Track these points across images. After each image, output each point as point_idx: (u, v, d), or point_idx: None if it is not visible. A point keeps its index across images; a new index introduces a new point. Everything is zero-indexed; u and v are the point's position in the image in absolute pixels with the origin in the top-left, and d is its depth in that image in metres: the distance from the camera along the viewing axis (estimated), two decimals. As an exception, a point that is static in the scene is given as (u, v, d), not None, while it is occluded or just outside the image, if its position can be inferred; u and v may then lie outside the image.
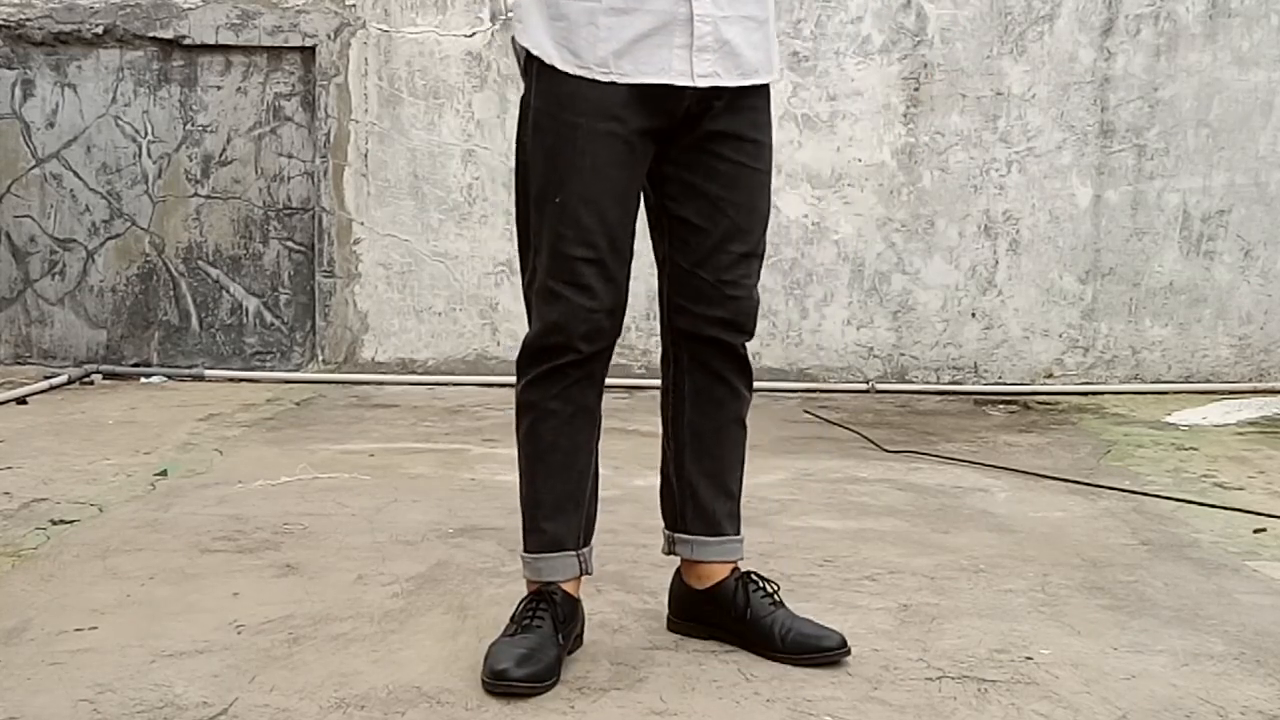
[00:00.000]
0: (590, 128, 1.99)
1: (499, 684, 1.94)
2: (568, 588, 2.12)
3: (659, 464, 2.26)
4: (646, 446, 3.83)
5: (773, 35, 2.11)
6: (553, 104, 2.02)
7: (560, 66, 2.00)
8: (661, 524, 2.25)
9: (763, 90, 2.10)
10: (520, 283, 2.19)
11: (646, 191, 2.12)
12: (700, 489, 2.18)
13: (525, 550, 2.16)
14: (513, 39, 2.11)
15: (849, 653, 2.09)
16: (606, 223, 2.02)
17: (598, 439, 2.18)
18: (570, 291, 2.04)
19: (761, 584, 2.18)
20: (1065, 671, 2.07)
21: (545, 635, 2.02)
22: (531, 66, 2.05)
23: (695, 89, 1.99)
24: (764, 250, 2.18)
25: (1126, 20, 4.98)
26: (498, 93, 5.09)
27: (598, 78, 1.98)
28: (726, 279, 2.10)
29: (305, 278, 5.25)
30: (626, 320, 5.78)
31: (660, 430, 2.25)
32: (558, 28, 2.00)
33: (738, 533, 2.22)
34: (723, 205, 2.08)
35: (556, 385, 2.09)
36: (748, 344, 2.18)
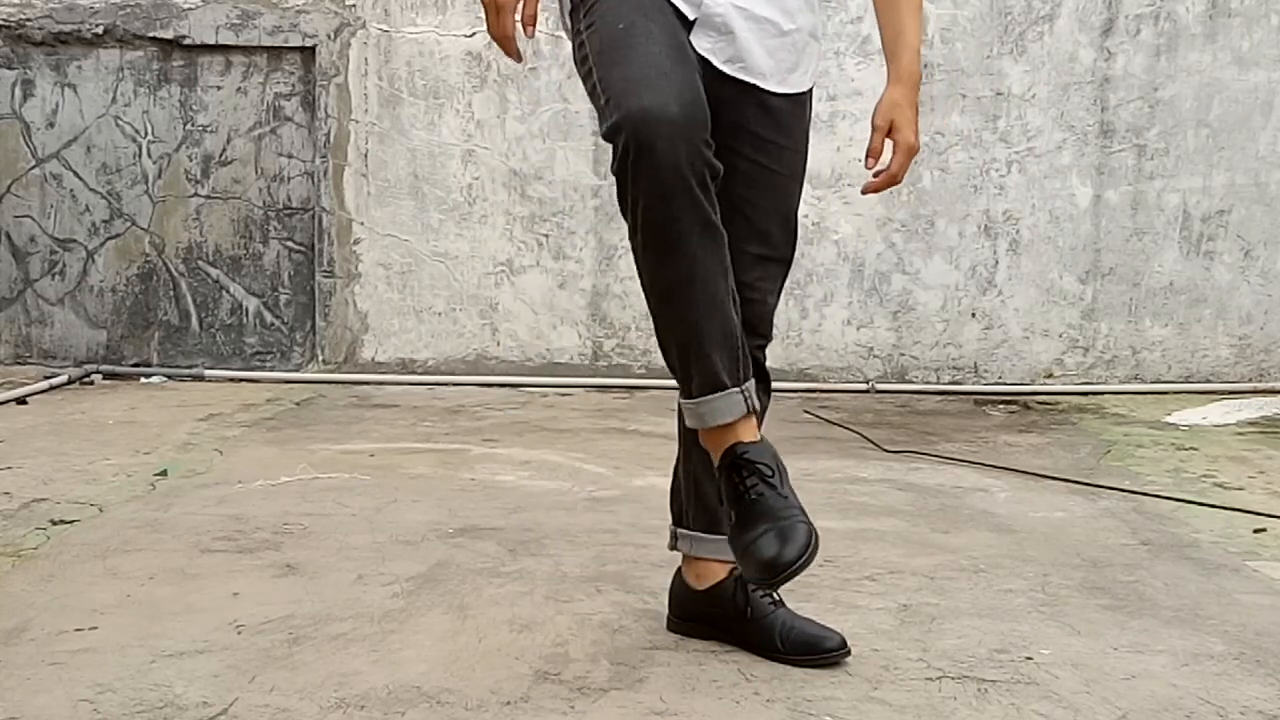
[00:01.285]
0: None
1: (771, 579, 1.84)
2: (742, 431, 1.92)
3: (670, 462, 2.26)
4: (646, 446, 3.83)
5: (804, 50, 2.06)
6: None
7: None
8: (669, 520, 2.25)
9: (791, 96, 2.07)
10: None
11: None
12: (705, 486, 2.16)
13: (687, 396, 1.95)
14: None
15: (849, 653, 2.09)
16: (676, 37, 1.90)
17: (729, 268, 1.95)
18: (651, 73, 1.83)
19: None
20: (1065, 671, 2.07)
21: (784, 498, 1.89)
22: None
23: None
24: (789, 257, 2.13)
25: (1126, 20, 4.98)
26: (498, 93, 5.09)
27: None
28: (742, 280, 2.01)
29: (305, 278, 5.25)
30: (626, 320, 5.75)
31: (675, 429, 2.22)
32: None
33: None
34: (739, 203, 2.04)
35: (659, 201, 1.83)
36: (765, 348, 2.12)
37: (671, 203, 1.81)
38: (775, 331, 2.21)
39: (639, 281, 1.94)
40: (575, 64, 2.05)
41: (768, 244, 2.09)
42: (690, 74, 1.87)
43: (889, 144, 2.14)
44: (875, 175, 2.14)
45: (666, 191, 1.81)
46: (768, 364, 2.16)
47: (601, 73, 1.91)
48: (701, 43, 1.96)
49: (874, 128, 2.13)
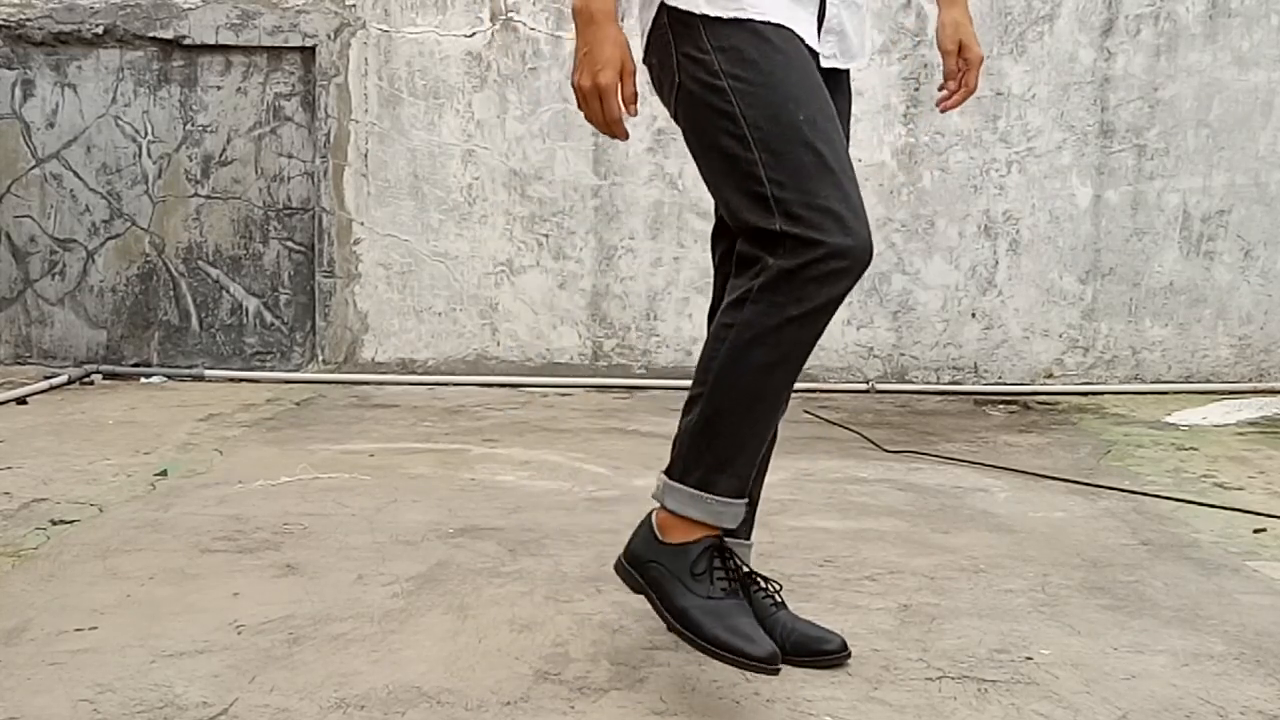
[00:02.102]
0: (798, 53, 1.92)
1: (764, 666, 1.85)
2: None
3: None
4: (646, 446, 3.83)
5: (869, 22, 2.15)
6: (748, 39, 1.91)
7: (727, 15, 1.91)
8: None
9: (851, 92, 2.14)
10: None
11: None
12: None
13: (707, 490, 1.94)
14: (641, 12, 2.03)
15: (849, 655, 2.09)
16: (845, 144, 1.97)
17: None
18: (845, 208, 1.86)
19: (763, 585, 2.18)
20: (1065, 671, 2.07)
21: (744, 606, 1.94)
22: (694, 20, 1.94)
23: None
24: None
25: (1126, 20, 4.98)
26: (498, 93, 5.09)
27: (754, 18, 1.91)
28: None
29: (305, 278, 5.25)
30: (626, 320, 5.75)
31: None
32: None
33: (749, 538, 2.20)
34: None
35: (822, 322, 1.88)
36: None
37: (822, 322, 1.89)
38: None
39: (720, 378, 1.92)
40: (680, 93, 1.97)
41: None
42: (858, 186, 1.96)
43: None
44: (946, 96, 2.22)
45: (826, 315, 1.88)
46: None
47: (781, 164, 1.88)
48: (826, 50, 2.01)
49: (945, 52, 2.19)
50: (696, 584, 1.92)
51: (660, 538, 1.97)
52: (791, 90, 1.90)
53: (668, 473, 1.98)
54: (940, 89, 2.21)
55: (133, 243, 5.26)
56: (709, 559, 1.93)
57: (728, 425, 1.92)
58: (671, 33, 1.95)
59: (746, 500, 1.97)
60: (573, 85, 1.95)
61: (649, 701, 1.93)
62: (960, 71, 2.19)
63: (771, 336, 1.87)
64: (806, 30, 1.97)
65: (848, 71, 2.12)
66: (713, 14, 1.92)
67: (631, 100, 1.92)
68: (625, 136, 1.98)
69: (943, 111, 2.26)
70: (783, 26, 1.93)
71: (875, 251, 1.89)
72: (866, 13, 2.14)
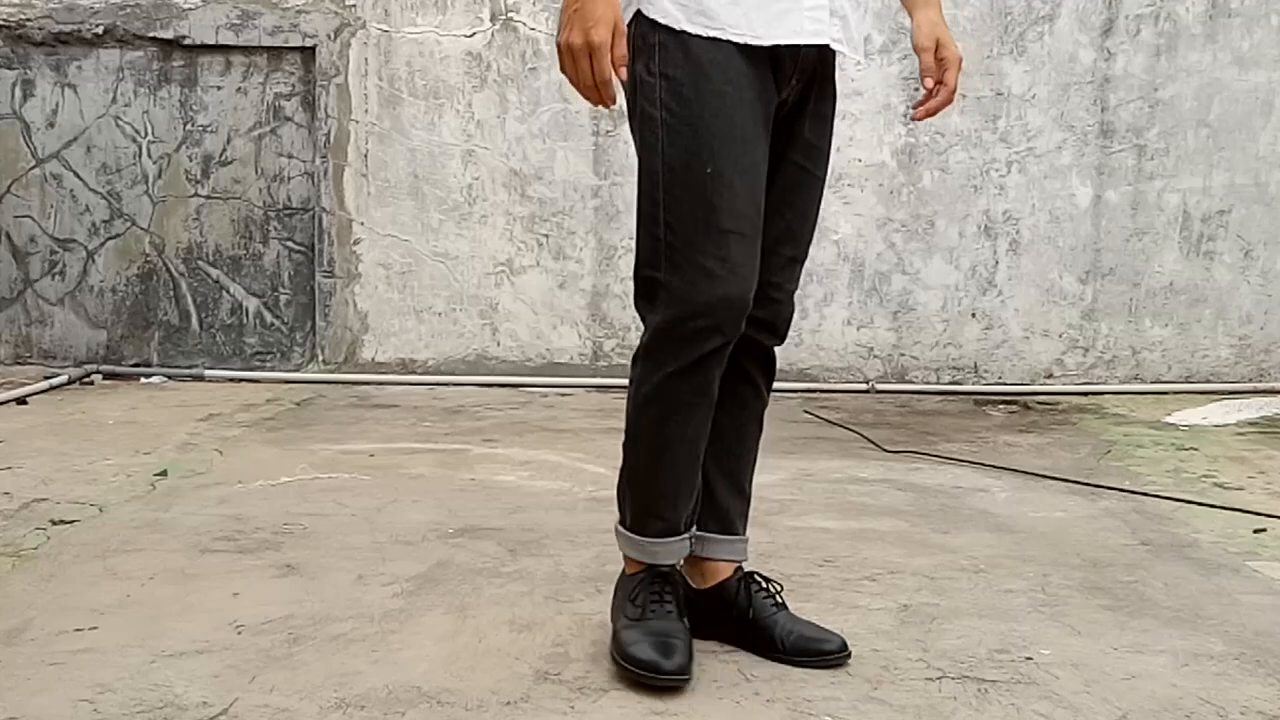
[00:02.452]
0: (738, 96, 1.93)
1: (650, 676, 1.95)
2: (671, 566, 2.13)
3: None
4: (646, 446, 3.83)
5: (868, 21, 2.14)
6: (693, 72, 1.91)
7: (693, 30, 1.92)
8: None
9: (834, 95, 2.12)
10: (651, 269, 1.99)
11: None
12: (718, 487, 2.18)
13: (638, 533, 2.09)
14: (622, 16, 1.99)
15: (849, 656, 2.09)
16: (755, 196, 1.97)
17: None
18: (721, 268, 1.91)
19: (764, 585, 2.18)
20: (1065, 671, 2.07)
21: (674, 623, 2.04)
22: (654, 37, 1.95)
23: (800, 70, 1.99)
24: (806, 257, 2.18)
25: (1126, 20, 4.98)
26: (498, 93, 5.09)
27: (733, 39, 1.92)
28: (773, 280, 2.08)
29: (305, 278, 5.25)
30: (626, 320, 5.75)
31: None
32: None
33: (745, 533, 2.22)
34: (781, 208, 2.07)
35: (699, 377, 1.98)
36: (776, 346, 2.17)
37: (698, 377, 1.98)
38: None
39: (629, 431, 2.08)
40: (629, 106, 2.01)
41: (798, 246, 2.12)
42: (757, 241, 1.98)
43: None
44: (922, 100, 2.18)
45: (703, 370, 1.98)
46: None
47: (679, 213, 1.94)
48: (833, 33, 1.99)
49: (921, 49, 2.15)
50: (631, 609, 2.07)
51: (624, 568, 2.17)
52: (710, 138, 1.92)
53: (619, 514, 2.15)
54: (920, 91, 2.20)
55: (133, 243, 5.26)
56: (647, 588, 2.08)
57: (643, 476, 2.08)
58: (640, 44, 1.96)
59: (686, 536, 2.10)
60: (558, 45, 1.89)
61: (649, 701, 1.93)
62: (939, 69, 2.13)
63: (656, 392, 2.00)
64: (802, 25, 1.94)
65: (835, 96, 2.12)
66: (688, 29, 1.92)
67: (622, 62, 1.87)
68: (612, 101, 1.91)
69: (917, 119, 2.20)
70: (749, 47, 1.92)
71: (749, 303, 1.97)
72: (866, 12, 2.14)
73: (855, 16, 2.06)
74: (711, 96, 1.92)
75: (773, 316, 2.11)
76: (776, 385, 2.26)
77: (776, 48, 1.95)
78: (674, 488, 2.06)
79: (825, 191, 2.21)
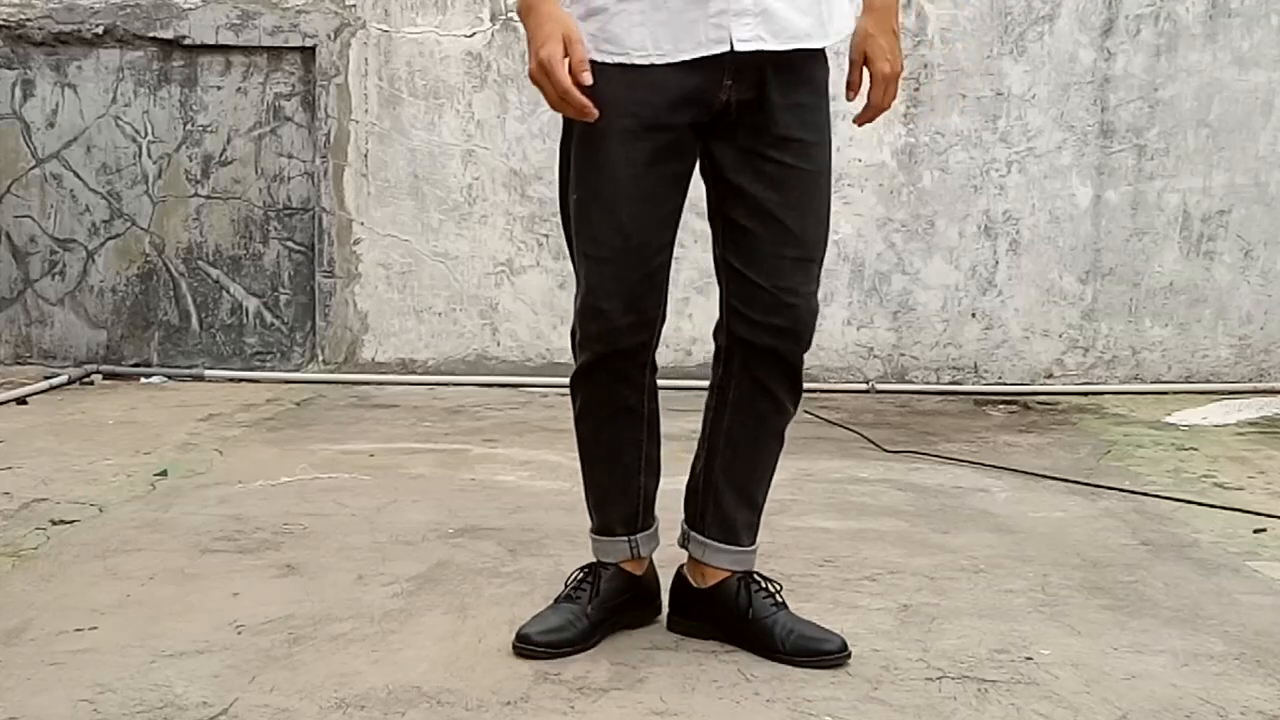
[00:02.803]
0: (613, 123, 1.95)
1: (520, 646, 2.10)
2: (627, 565, 2.22)
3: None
4: (646, 446, 3.83)
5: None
6: (592, 96, 1.94)
7: (597, 57, 1.94)
8: (682, 515, 2.25)
9: (812, 83, 2.04)
10: None
11: (708, 190, 2.10)
12: (725, 497, 2.17)
13: (591, 530, 2.27)
14: None
15: (849, 656, 2.09)
16: (618, 221, 1.99)
17: (649, 433, 2.18)
18: (585, 293, 2.05)
19: (764, 584, 2.18)
20: (1065, 671, 2.07)
21: (579, 608, 2.16)
22: None
23: (733, 72, 1.94)
24: (823, 255, 2.13)
25: (1126, 20, 4.98)
26: (498, 93, 5.09)
27: (637, 61, 1.93)
28: (782, 285, 2.05)
29: (305, 278, 5.25)
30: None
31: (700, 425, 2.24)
32: (596, 21, 1.95)
33: (753, 544, 2.21)
34: (771, 208, 2.03)
35: (590, 383, 2.13)
36: (802, 358, 2.13)
37: (595, 388, 2.12)
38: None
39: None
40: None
41: (802, 245, 2.07)
42: (626, 264, 2.02)
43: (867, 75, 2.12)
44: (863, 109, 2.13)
45: (595, 381, 2.11)
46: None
47: (568, 237, 2.11)
48: (742, 33, 1.92)
49: (851, 62, 2.10)
50: (561, 592, 2.23)
51: None
52: (583, 167, 2.01)
53: None
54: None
55: (133, 243, 5.26)
56: (577, 577, 2.23)
57: (583, 478, 2.25)
58: None
59: (623, 538, 2.20)
60: (897, 74, 2.04)
61: (649, 701, 1.93)
62: (858, 85, 2.08)
63: (576, 402, 2.17)
64: (704, 34, 1.91)
65: (818, 52, 2.02)
66: (595, 57, 1.93)
67: (581, 68, 1.88)
68: (593, 114, 1.92)
69: (857, 124, 2.17)
70: (650, 67, 1.93)
71: (640, 320, 2.07)
72: None
73: (789, 2, 1.96)
74: (595, 128, 1.95)
75: (791, 322, 2.07)
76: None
77: (698, 58, 1.93)
78: (598, 492, 2.21)
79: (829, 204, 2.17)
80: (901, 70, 2.11)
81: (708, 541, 2.19)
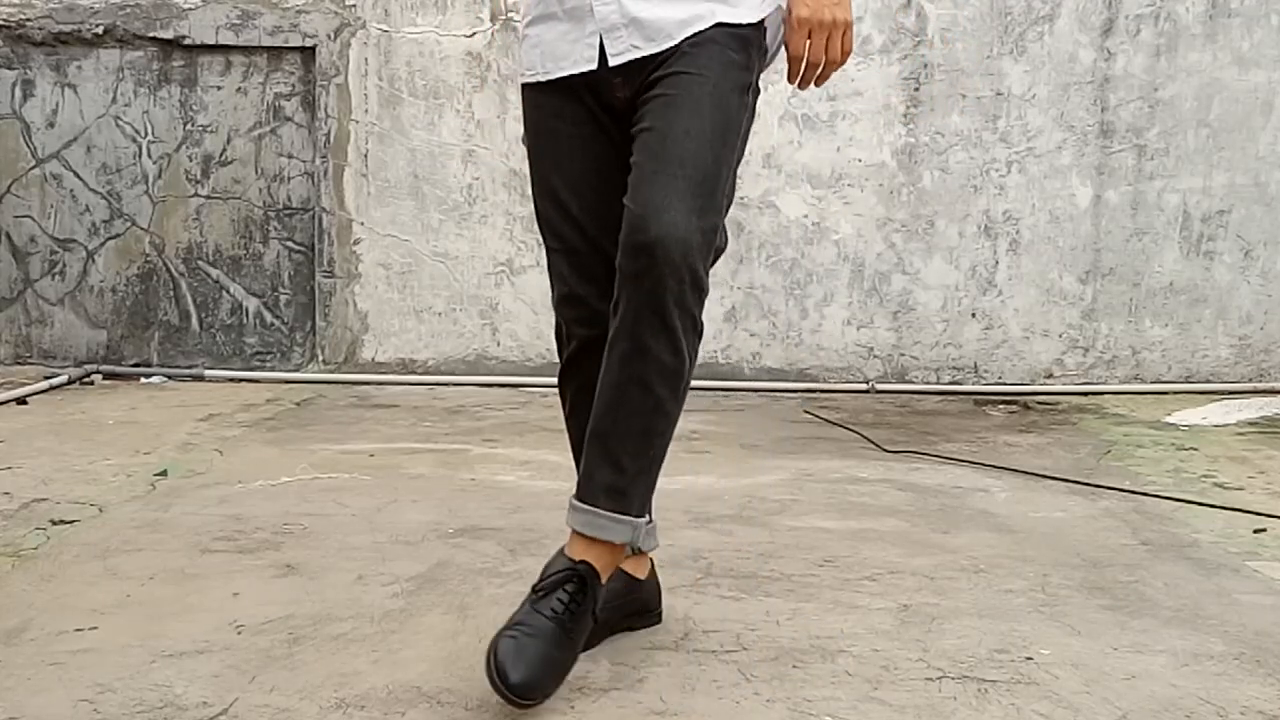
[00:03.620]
0: (544, 126, 2.13)
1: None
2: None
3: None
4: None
5: None
6: (526, 112, 2.19)
7: (523, 80, 2.18)
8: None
9: (707, 46, 1.97)
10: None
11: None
12: (587, 447, 1.99)
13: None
14: None
15: (528, 701, 1.87)
16: (568, 214, 2.12)
17: None
18: (556, 282, 2.18)
19: (577, 591, 1.97)
20: (1065, 671, 2.07)
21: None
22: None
23: (621, 74, 2.01)
24: (708, 179, 1.92)
25: (1126, 20, 4.98)
26: (498, 93, 5.09)
27: (530, 80, 2.14)
28: (641, 200, 1.89)
29: (305, 278, 5.25)
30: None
31: None
32: (524, 46, 2.17)
33: (622, 512, 1.97)
34: (645, 136, 1.95)
35: (578, 371, 2.17)
36: (675, 290, 1.87)
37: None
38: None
39: None
40: None
41: (663, 160, 1.91)
42: (581, 253, 2.11)
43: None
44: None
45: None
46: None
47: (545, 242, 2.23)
48: (615, 47, 2.01)
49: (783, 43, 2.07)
50: None
51: None
52: (533, 174, 2.16)
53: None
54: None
55: (133, 243, 5.26)
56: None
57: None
58: None
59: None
60: (823, 21, 1.96)
61: (649, 701, 1.93)
62: (798, 70, 2.00)
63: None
64: (579, 53, 2.04)
65: (714, 29, 1.97)
66: (523, 80, 2.16)
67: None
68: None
69: (791, 83, 2.04)
70: (551, 81, 2.08)
71: (578, 305, 2.15)
72: None
73: (658, 6, 1.96)
74: (530, 133, 2.16)
75: (648, 239, 1.86)
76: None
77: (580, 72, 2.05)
78: (576, 454, 2.17)
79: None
80: (841, 21, 1.96)
81: (572, 499, 2.01)
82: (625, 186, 1.97)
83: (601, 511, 1.97)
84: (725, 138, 1.96)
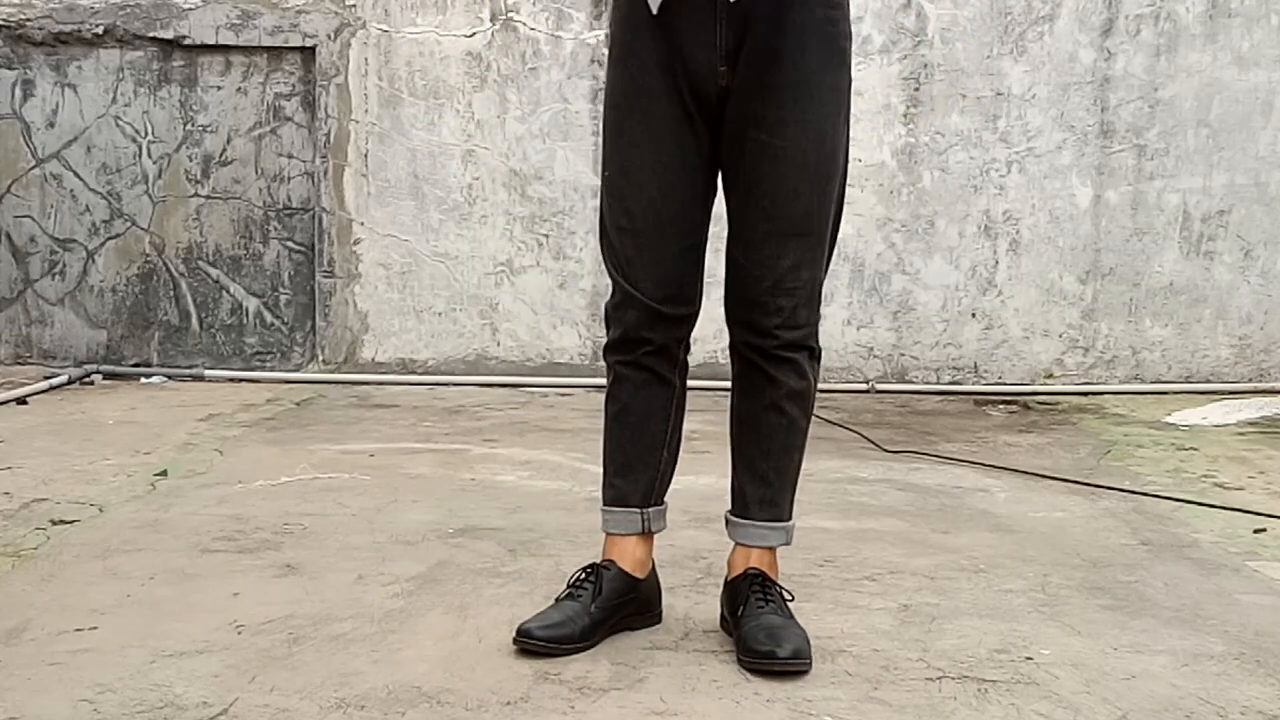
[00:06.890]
0: (636, 77, 2.06)
1: (520, 640, 2.09)
2: (627, 565, 2.20)
3: None
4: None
5: None
6: (622, 29, 2.08)
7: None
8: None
9: (791, 59, 2.04)
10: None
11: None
12: (737, 470, 2.23)
13: (602, 503, 2.27)
14: None
15: (804, 666, 2.03)
16: (646, 195, 2.09)
17: (676, 407, 2.23)
18: (614, 269, 2.15)
19: (763, 589, 2.16)
20: (1065, 671, 2.07)
21: (581, 606, 2.14)
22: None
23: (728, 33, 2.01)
24: (810, 231, 2.12)
25: (1126, 20, 4.98)
26: (498, 93, 5.09)
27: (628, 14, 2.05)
28: (754, 258, 2.11)
29: (305, 278, 5.25)
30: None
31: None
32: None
33: (772, 520, 2.22)
34: (749, 181, 2.09)
35: (624, 353, 2.18)
36: (788, 329, 2.17)
37: (626, 360, 2.18)
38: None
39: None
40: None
41: (770, 219, 2.09)
42: (660, 236, 2.09)
43: None
44: None
45: (629, 352, 2.17)
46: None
47: (604, 210, 2.17)
48: None
49: None
50: (562, 591, 2.25)
51: None
52: (610, 136, 2.11)
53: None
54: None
55: (133, 243, 5.26)
56: (580, 577, 2.23)
57: (605, 447, 2.27)
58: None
59: (635, 509, 2.23)
60: None
61: (649, 701, 1.93)
62: None
63: (607, 374, 2.24)
64: None
65: (807, 61, 2.04)
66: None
67: None
68: None
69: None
70: (648, 26, 2.02)
71: (677, 302, 2.15)
72: None
73: None
74: (618, 89, 2.08)
75: (758, 294, 2.14)
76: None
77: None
78: (622, 458, 2.22)
79: (826, 181, 2.14)
80: None
81: (729, 515, 2.25)
82: (692, 177, 2.09)
83: (759, 523, 2.21)
84: (831, 180, 2.12)
